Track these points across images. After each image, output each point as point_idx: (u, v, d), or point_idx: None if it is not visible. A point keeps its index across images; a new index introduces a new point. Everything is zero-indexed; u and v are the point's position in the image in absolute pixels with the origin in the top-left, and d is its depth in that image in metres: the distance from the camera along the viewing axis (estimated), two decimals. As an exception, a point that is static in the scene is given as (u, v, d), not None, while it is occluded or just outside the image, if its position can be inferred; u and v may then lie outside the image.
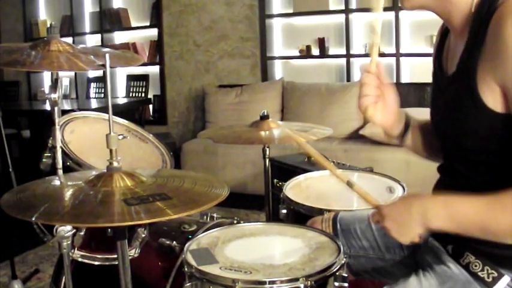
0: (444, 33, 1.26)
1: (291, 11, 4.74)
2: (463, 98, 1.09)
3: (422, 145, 1.37)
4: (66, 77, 5.87)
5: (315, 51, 4.67)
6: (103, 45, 5.53)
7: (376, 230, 1.38)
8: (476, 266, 1.11)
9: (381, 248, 1.38)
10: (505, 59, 0.99)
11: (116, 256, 1.14)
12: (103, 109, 3.39)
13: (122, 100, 5.12)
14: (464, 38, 1.10)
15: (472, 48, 1.07)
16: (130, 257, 1.24)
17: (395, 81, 4.42)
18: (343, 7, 4.49)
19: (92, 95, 5.70)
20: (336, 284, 1.17)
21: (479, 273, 1.10)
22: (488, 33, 1.03)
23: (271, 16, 4.85)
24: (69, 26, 5.77)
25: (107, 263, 1.52)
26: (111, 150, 1.11)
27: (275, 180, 2.86)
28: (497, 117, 1.04)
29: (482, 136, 1.08)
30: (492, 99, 1.04)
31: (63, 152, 1.55)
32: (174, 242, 1.56)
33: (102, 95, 5.59)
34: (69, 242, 1.36)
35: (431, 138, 1.31)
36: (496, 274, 1.09)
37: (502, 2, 1.02)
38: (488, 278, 1.09)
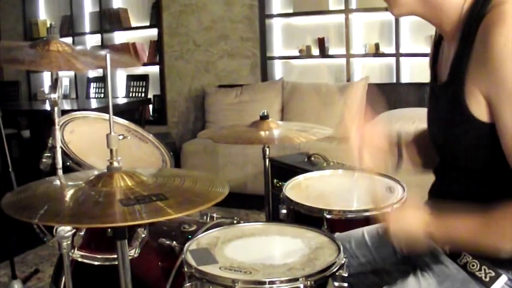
0: (439, 39, 1.25)
1: (291, 11, 4.74)
2: (453, 107, 1.09)
3: (419, 159, 1.40)
4: (66, 77, 5.87)
5: (315, 51, 4.67)
6: (103, 45, 5.53)
7: (370, 244, 1.40)
8: (473, 265, 1.12)
9: (377, 261, 1.39)
10: (490, 69, 0.98)
11: (116, 256, 1.14)
12: (103, 109, 3.39)
13: (122, 100, 5.11)
14: (455, 46, 1.10)
15: (461, 56, 1.06)
16: (130, 257, 1.25)
17: (395, 81, 4.42)
18: (343, 7, 4.48)
19: (92, 95, 5.69)
20: (336, 284, 1.17)
21: (477, 273, 1.11)
22: (476, 41, 1.02)
23: (271, 16, 4.85)
24: (69, 26, 5.76)
25: (107, 263, 1.52)
26: (111, 150, 1.11)
27: (275, 180, 2.86)
28: (484, 126, 1.04)
29: (471, 145, 1.09)
30: (478, 108, 1.04)
31: (63, 152, 1.55)
32: (174, 242, 1.56)
33: (102, 95, 5.58)
34: (69, 242, 1.36)
35: (427, 147, 1.33)
36: (493, 274, 1.09)
37: (490, 9, 1.01)
38: (486, 277, 1.10)
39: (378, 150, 1.34)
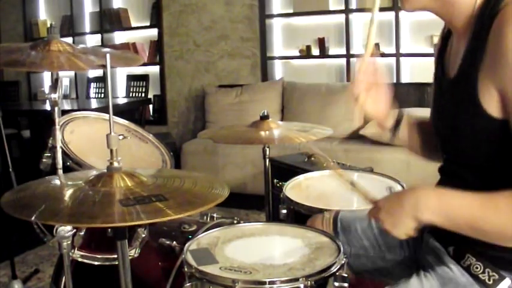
0: (446, 34, 1.25)
1: (291, 11, 4.74)
2: (463, 103, 1.08)
3: (419, 143, 1.38)
4: (66, 77, 5.86)
5: (315, 51, 4.67)
6: (103, 45, 5.52)
7: (376, 229, 1.38)
8: (477, 268, 1.10)
9: (382, 247, 1.38)
10: (505, 65, 0.98)
11: (116, 256, 1.14)
12: (103, 109, 3.39)
13: (122, 100, 5.11)
14: (466, 41, 1.10)
15: (473, 52, 1.06)
16: (130, 257, 1.25)
17: (395, 81, 4.42)
18: (343, 7, 4.49)
19: (92, 95, 5.70)
20: (336, 284, 1.17)
21: (480, 276, 1.10)
22: (490, 37, 1.02)
23: (271, 16, 4.85)
24: (69, 26, 5.76)
25: (107, 263, 1.52)
26: (111, 150, 1.11)
27: (275, 180, 2.86)
28: (495, 122, 1.03)
29: (480, 141, 1.08)
30: (491, 104, 1.03)
31: (63, 152, 1.55)
32: (174, 242, 1.56)
33: (102, 95, 5.59)
34: (69, 242, 1.36)
35: (430, 137, 1.31)
36: (497, 276, 1.08)
37: (504, 5, 1.01)
38: (489, 280, 1.08)
39: (382, 99, 1.29)
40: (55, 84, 1.47)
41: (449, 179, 1.22)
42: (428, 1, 1.12)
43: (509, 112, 1.00)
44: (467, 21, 1.10)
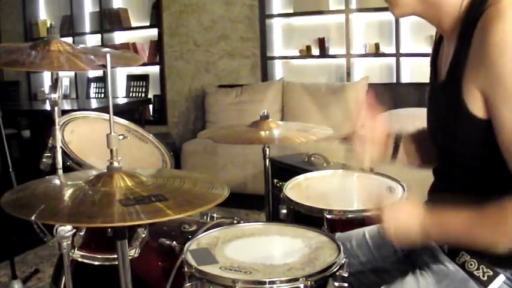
0: (439, 38, 1.26)
1: (291, 11, 4.74)
2: (451, 105, 1.10)
3: (416, 152, 1.41)
4: (66, 77, 5.87)
5: (315, 51, 4.67)
6: (103, 45, 5.53)
7: (371, 244, 1.40)
8: (471, 265, 1.12)
9: (378, 260, 1.39)
10: (487, 64, 0.99)
11: (116, 256, 1.14)
12: (103, 109, 3.39)
13: (122, 100, 5.11)
14: (454, 44, 1.11)
15: (459, 54, 1.07)
16: (130, 257, 1.25)
17: (395, 81, 4.42)
18: (343, 7, 4.49)
19: (92, 95, 5.70)
20: (336, 284, 1.17)
21: (475, 272, 1.11)
22: (474, 38, 1.03)
23: (271, 16, 4.85)
24: (69, 26, 5.77)
25: (107, 263, 1.52)
26: (111, 150, 1.11)
27: (275, 180, 2.86)
28: (481, 123, 1.05)
29: (470, 142, 1.09)
30: (475, 105, 1.04)
31: (63, 152, 1.55)
32: (174, 242, 1.56)
33: (102, 95, 5.59)
34: (69, 242, 1.36)
35: (426, 143, 1.33)
36: (491, 273, 1.09)
37: (488, 6, 1.02)
38: (484, 276, 1.10)
39: (378, 140, 1.36)
40: (55, 84, 1.47)
41: (443, 180, 1.24)
42: (416, 6, 1.13)
43: (492, 112, 1.02)
44: (454, 24, 1.11)
